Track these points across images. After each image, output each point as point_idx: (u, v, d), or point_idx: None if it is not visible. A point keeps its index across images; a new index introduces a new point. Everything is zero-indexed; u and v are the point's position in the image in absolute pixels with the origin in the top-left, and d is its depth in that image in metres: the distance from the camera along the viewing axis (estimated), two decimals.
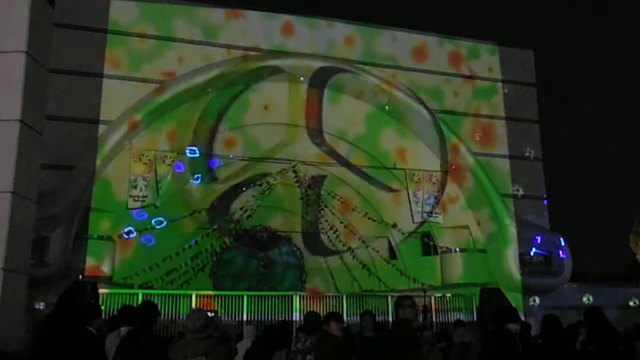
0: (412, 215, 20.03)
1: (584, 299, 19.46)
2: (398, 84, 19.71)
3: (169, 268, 18.15)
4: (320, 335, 7.22)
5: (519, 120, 21.10)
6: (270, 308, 17.02)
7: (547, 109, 22.86)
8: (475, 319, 17.95)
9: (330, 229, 20.77)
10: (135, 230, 17.72)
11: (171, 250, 18.21)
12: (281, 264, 23.56)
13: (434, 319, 18.07)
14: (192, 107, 18.21)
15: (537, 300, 19.19)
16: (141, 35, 17.83)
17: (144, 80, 17.54)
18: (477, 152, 20.22)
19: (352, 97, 19.87)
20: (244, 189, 20.45)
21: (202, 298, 16.91)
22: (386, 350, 5.93)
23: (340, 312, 15.11)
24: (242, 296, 17.23)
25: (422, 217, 20.00)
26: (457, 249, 20.04)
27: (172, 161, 18.06)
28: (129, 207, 17.44)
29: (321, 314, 10.19)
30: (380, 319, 15.44)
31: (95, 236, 16.75)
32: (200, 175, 19.37)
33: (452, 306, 18.85)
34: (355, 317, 16.01)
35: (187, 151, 18.30)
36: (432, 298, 18.65)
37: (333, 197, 20.94)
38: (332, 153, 20.66)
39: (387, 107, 19.87)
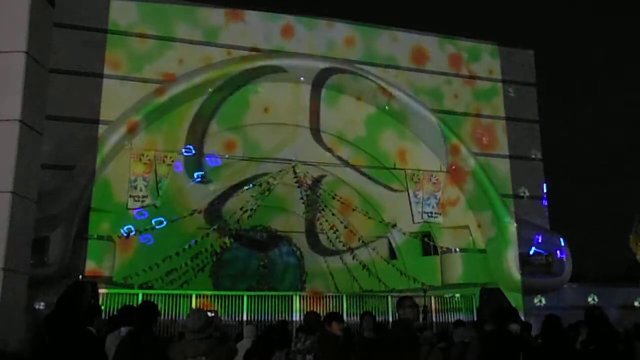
0: (412, 216, 20.04)
1: (589, 299, 19.48)
2: (398, 85, 19.71)
3: (169, 268, 18.15)
4: (321, 335, 7.22)
5: (519, 120, 21.11)
6: (270, 308, 17.02)
7: (547, 109, 22.87)
8: (475, 318, 17.94)
9: (330, 229, 20.78)
10: (135, 230, 17.72)
11: (171, 250, 18.21)
12: (281, 264, 23.58)
13: (434, 319, 18.07)
14: (192, 107, 18.22)
15: (544, 300, 19.22)
16: (141, 36, 17.83)
17: (144, 81, 17.55)
18: (477, 152, 20.23)
19: (352, 97, 19.88)
20: (242, 190, 20.42)
21: (202, 298, 16.91)
22: (386, 351, 5.93)
23: (340, 313, 15.10)
24: (242, 296, 17.23)
25: (422, 218, 20.01)
26: (457, 249, 20.05)
27: (172, 161, 18.07)
28: (129, 207, 17.44)
29: (321, 314, 10.20)
30: (380, 319, 15.45)
31: (95, 236, 16.76)
32: (198, 175, 19.35)
33: (452, 306, 18.86)
34: (355, 317, 16.00)
35: (183, 150, 18.28)
36: (432, 298, 18.64)
37: (333, 197, 20.94)
38: (332, 153, 20.66)
39: (387, 107, 19.87)
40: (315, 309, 15.17)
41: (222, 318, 14.87)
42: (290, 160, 20.25)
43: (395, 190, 20.62)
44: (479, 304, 18.46)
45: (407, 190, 20.07)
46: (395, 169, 20.28)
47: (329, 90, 19.68)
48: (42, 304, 14.12)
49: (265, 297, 17.49)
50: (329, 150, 20.55)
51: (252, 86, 18.92)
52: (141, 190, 17.48)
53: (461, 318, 16.75)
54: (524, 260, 19.16)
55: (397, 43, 20.29)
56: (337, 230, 20.83)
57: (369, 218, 20.94)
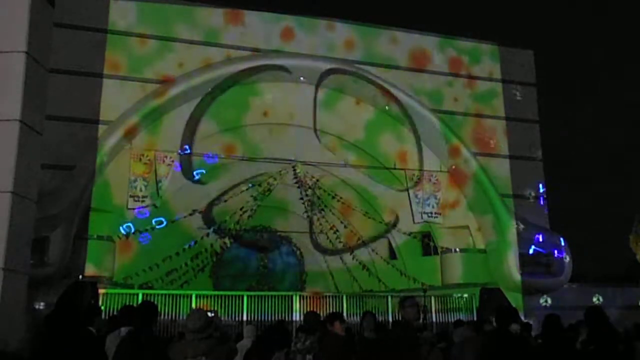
0: (412, 216, 20.05)
1: (594, 299, 19.50)
2: (398, 86, 19.71)
3: (169, 268, 18.16)
4: (323, 335, 7.23)
5: (519, 120, 21.11)
6: (270, 308, 17.03)
7: (547, 109, 22.87)
8: (475, 318, 17.94)
9: (330, 229, 20.77)
10: (135, 229, 17.72)
11: (171, 250, 18.21)
12: (281, 264, 23.57)
13: (434, 319, 18.07)
14: (191, 106, 18.22)
15: (549, 300, 19.23)
16: (142, 36, 17.83)
17: (144, 81, 17.55)
18: (477, 152, 20.23)
19: (352, 98, 19.88)
20: (241, 191, 20.40)
21: (202, 298, 16.91)
22: (387, 351, 5.94)
23: (340, 313, 15.10)
24: (242, 296, 17.23)
25: (422, 218, 20.02)
26: (457, 249, 20.05)
27: (172, 161, 18.08)
28: (129, 207, 17.45)
29: (321, 314, 10.19)
30: (380, 319, 15.44)
31: (95, 236, 16.76)
32: (197, 173, 19.31)
33: (452, 306, 18.86)
34: (355, 317, 16.01)
35: (179, 150, 18.26)
36: (432, 298, 18.64)
37: (333, 197, 20.94)
38: (332, 153, 20.66)
39: (387, 107, 19.88)
40: (315, 309, 15.17)
41: (222, 318, 14.86)
42: (290, 160, 20.25)
43: (398, 190, 20.61)
44: (479, 304, 18.46)
45: (407, 191, 20.07)
46: (395, 169, 20.28)
47: (329, 91, 19.68)
48: (42, 304, 14.13)
49: (265, 297, 17.50)
50: (329, 150, 20.55)
51: (251, 86, 18.91)
52: (141, 190, 17.49)
53: (461, 318, 16.75)
54: (524, 260, 19.16)
55: (397, 44, 20.30)
56: (337, 230, 20.82)
57: (369, 218, 20.93)
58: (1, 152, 6.50)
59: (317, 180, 20.92)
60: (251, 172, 20.46)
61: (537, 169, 21.13)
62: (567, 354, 7.05)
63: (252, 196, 20.35)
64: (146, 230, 17.97)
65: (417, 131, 20.08)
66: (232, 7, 19.09)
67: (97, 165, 16.57)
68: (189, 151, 18.49)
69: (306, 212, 21.19)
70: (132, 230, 17.65)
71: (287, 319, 16.23)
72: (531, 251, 19.40)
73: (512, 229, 19.32)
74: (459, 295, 18.97)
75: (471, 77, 21.00)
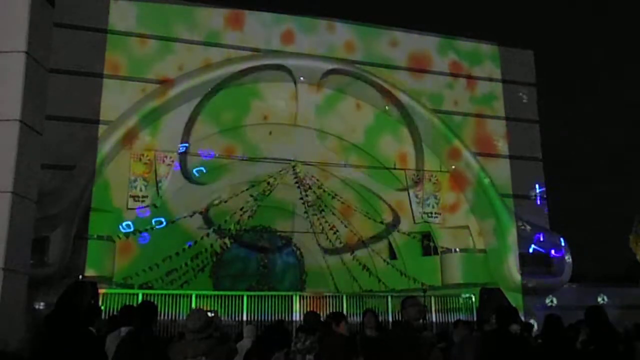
0: (413, 216, 20.05)
1: (599, 299, 19.52)
2: (398, 86, 19.71)
3: (169, 268, 18.15)
4: (326, 335, 7.24)
5: (519, 121, 21.11)
6: (270, 308, 17.02)
7: (547, 109, 22.87)
8: (475, 318, 17.94)
9: (331, 229, 20.77)
10: (135, 229, 17.71)
11: (171, 250, 18.21)
12: (281, 264, 23.57)
13: (434, 319, 18.07)
14: (192, 106, 18.23)
15: (555, 300, 19.24)
16: (142, 36, 17.82)
17: (145, 81, 17.55)
18: (477, 152, 20.23)
19: (353, 98, 19.88)
20: (241, 191, 20.38)
21: (202, 298, 16.90)
22: (388, 350, 5.93)
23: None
24: (242, 296, 17.22)
25: (422, 218, 20.02)
26: (457, 249, 20.05)
27: (172, 161, 18.08)
28: (129, 207, 17.46)
29: (321, 315, 10.17)
30: (380, 319, 15.42)
31: (95, 236, 16.76)
32: (197, 171, 19.29)
33: (452, 306, 18.85)
34: (355, 317, 16.00)
35: (179, 149, 18.24)
36: (432, 298, 18.63)
37: (333, 197, 20.94)
38: (332, 154, 20.66)
39: (387, 107, 19.87)
40: (315, 309, 15.16)
41: (222, 318, 14.86)
42: (290, 160, 20.25)
43: (399, 190, 20.61)
44: (479, 304, 18.45)
45: (407, 191, 20.07)
46: (395, 169, 20.28)
47: (330, 91, 19.68)
48: (42, 304, 14.13)
49: (265, 297, 17.49)
50: (329, 150, 20.55)
51: (251, 87, 18.91)
52: (141, 190, 17.49)
53: (461, 318, 16.75)
54: (524, 260, 19.17)
55: (397, 45, 20.30)
56: (337, 230, 20.82)
57: (369, 218, 20.93)
58: (1, 152, 6.51)
59: (317, 180, 20.92)
60: (251, 172, 20.46)
61: (537, 169, 21.13)
62: (567, 353, 7.04)
63: (252, 196, 20.34)
64: (146, 230, 17.96)
65: (417, 131, 20.07)
66: (232, 7, 19.08)
67: (97, 165, 16.56)
68: (187, 146, 18.43)
69: (306, 212, 21.19)
70: (132, 229, 17.62)
71: (287, 319, 16.21)
72: (531, 250, 19.41)
73: (513, 232, 19.31)
74: (467, 295, 18.90)
75: (471, 78, 20.99)
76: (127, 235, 17.51)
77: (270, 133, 19.77)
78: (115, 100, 17.02)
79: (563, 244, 19.92)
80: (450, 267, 20.05)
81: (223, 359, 6.09)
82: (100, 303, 14.70)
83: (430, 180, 20.16)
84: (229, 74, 18.24)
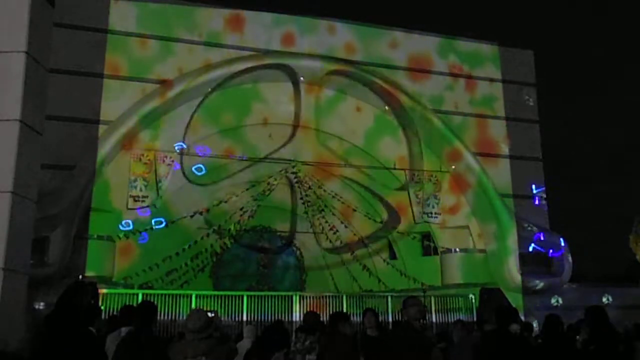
0: (413, 216, 20.04)
1: (604, 299, 19.53)
2: (399, 87, 19.70)
3: (169, 268, 18.14)
4: (331, 335, 7.26)
5: (519, 121, 21.10)
6: (270, 308, 17.00)
7: (547, 109, 22.88)
8: (475, 318, 17.94)
9: (330, 229, 20.77)
10: (135, 229, 17.71)
11: (171, 251, 18.20)
12: (281, 264, 23.57)
13: (434, 319, 18.07)
14: (192, 106, 18.23)
15: (560, 300, 19.25)
16: (142, 36, 17.81)
17: (145, 81, 17.55)
18: (477, 152, 20.22)
19: (353, 99, 19.88)
20: (242, 191, 20.38)
21: (202, 298, 16.89)
22: (389, 350, 5.94)
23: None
24: (242, 296, 17.21)
25: (422, 218, 20.01)
26: (457, 249, 20.05)
27: (172, 161, 18.07)
28: (129, 207, 17.44)
29: (321, 315, 10.17)
30: (380, 320, 15.41)
31: (95, 236, 16.75)
32: (197, 168, 19.26)
33: (452, 306, 18.84)
34: (355, 317, 15.99)
35: (176, 147, 18.22)
36: (432, 298, 18.62)
37: (333, 197, 20.94)
38: (332, 154, 20.66)
39: (387, 108, 19.87)
40: (315, 309, 15.16)
41: (222, 318, 14.86)
42: (290, 160, 20.25)
43: (397, 190, 20.61)
44: (479, 304, 18.44)
45: (407, 191, 20.07)
46: (395, 169, 20.28)
47: (330, 92, 19.68)
48: (42, 304, 14.12)
49: (265, 297, 17.48)
50: (329, 150, 20.56)
51: (251, 87, 18.91)
52: (141, 190, 17.48)
53: (461, 318, 16.75)
54: (524, 261, 19.16)
55: (397, 45, 20.27)
56: (337, 230, 20.82)
57: (369, 218, 20.93)
58: (1, 152, 6.51)
59: (318, 180, 20.92)
60: (251, 172, 20.46)
61: (537, 169, 21.13)
62: (568, 353, 7.04)
63: (252, 196, 20.34)
64: (145, 230, 17.96)
65: (417, 132, 20.07)
66: (232, 8, 19.07)
67: (97, 165, 16.56)
68: (185, 146, 18.42)
69: (306, 212, 21.19)
70: (131, 227, 17.60)
71: (287, 319, 16.20)
72: (530, 249, 19.41)
73: (513, 233, 19.30)
74: (470, 295, 18.88)
75: (471, 78, 20.98)
76: (127, 235, 17.49)
77: (270, 136, 19.78)
78: (116, 100, 17.00)
79: (563, 244, 19.92)
80: (450, 267, 20.05)
81: (223, 359, 6.09)
82: (100, 303, 14.67)
83: (430, 180, 20.15)
84: (229, 74, 18.24)
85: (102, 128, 16.83)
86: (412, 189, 20.02)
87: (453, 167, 20.15)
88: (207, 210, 19.60)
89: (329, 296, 18.27)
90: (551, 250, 19.61)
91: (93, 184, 16.58)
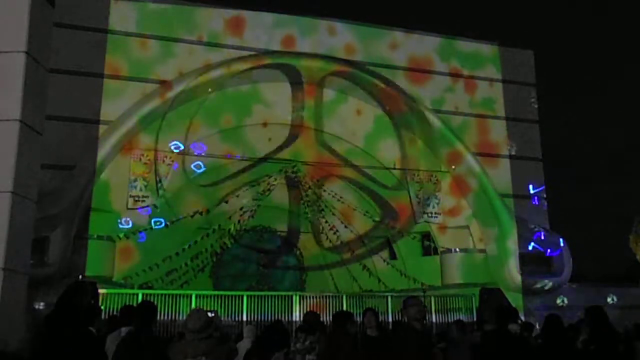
0: (413, 216, 20.04)
1: (608, 300, 19.53)
2: (399, 87, 19.70)
3: (169, 268, 18.14)
4: (334, 334, 7.29)
5: (519, 121, 21.11)
6: (270, 308, 17.00)
7: (547, 109, 22.91)
8: (475, 318, 17.94)
9: (330, 229, 20.77)
10: (135, 229, 17.70)
11: (171, 251, 18.20)
12: (281, 264, 23.56)
13: (434, 319, 18.07)
14: (192, 106, 18.23)
15: (566, 300, 19.24)
16: (142, 36, 17.81)
17: (145, 81, 17.55)
18: (477, 152, 20.22)
19: (354, 99, 19.88)
20: (242, 191, 20.38)
21: (202, 298, 16.89)
22: (389, 350, 5.94)
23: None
24: (242, 296, 17.21)
25: (422, 218, 20.01)
26: (457, 249, 20.05)
27: (172, 161, 18.07)
28: (129, 207, 17.45)
29: (321, 314, 10.17)
30: (380, 320, 15.41)
31: (95, 236, 16.75)
32: (196, 165, 19.26)
33: (452, 306, 18.84)
34: (355, 317, 15.98)
35: (172, 146, 18.20)
36: (432, 298, 18.62)
37: (333, 197, 20.94)
38: (332, 154, 20.66)
39: (387, 108, 19.87)
40: (315, 309, 15.15)
41: (222, 318, 14.85)
42: (290, 160, 20.24)
43: (397, 190, 20.61)
44: (479, 304, 18.45)
45: (408, 191, 20.07)
46: (395, 169, 20.27)
47: (330, 92, 19.68)
48: (42, 304, 14.11)
49: (265, 297, 17.48)
50: (329, 150, 20.55)
51: (251, 87, 18.91)
52: (141, 190, 17.48)
53: (461, 318, 16.75)
54: (524, 261, 19.16)
55: (397, 46, 20.29)
56: (337, 230, 20.82)
57: (369, 218, 20.92)
58: (1, 152, 6.51)
59: (318, 180, 20.93)
60: (251, 172, 20.46)
61: (537, 169, 21.13)
62: (568, 353, 7.04)
63: (252, 197, 20.34)
64: (145, 230, 17.95)
65: (417, 132, 20.07)
66: (233, 8, 19.06)
67: (97, 165, 16.56)
68: (182, 147, 18.41)
69: (306, 212, 21.19)
70: (130, 225, 17.59)
71: (287, 319, 16.20)
72: (530, 247, 19.41)
73: (513, 234, 19.29)
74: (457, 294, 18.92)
75: (471, 78, 20.98)
76: (126, 234, 17.49)
77: (270, 140, 19.79)
78: (115, 100, 17.00)
79: (563, 244, 19.92)
80: (450, 267, 20.05)
81: (223, 359, 6.08)
82: (100, 303, 14.68)
83: (430, 180, 20.15)
84: (229, 74, 18.24)
85: (102, 128, 16.84)
86: (412, 189, 20.02)
87: (453, 167, 20.14)
88: (207, 211, 19.61)
89: (329, 296, 18.27)
90: (549, 250, 19.61)
91: (93, 184, 16.58)
